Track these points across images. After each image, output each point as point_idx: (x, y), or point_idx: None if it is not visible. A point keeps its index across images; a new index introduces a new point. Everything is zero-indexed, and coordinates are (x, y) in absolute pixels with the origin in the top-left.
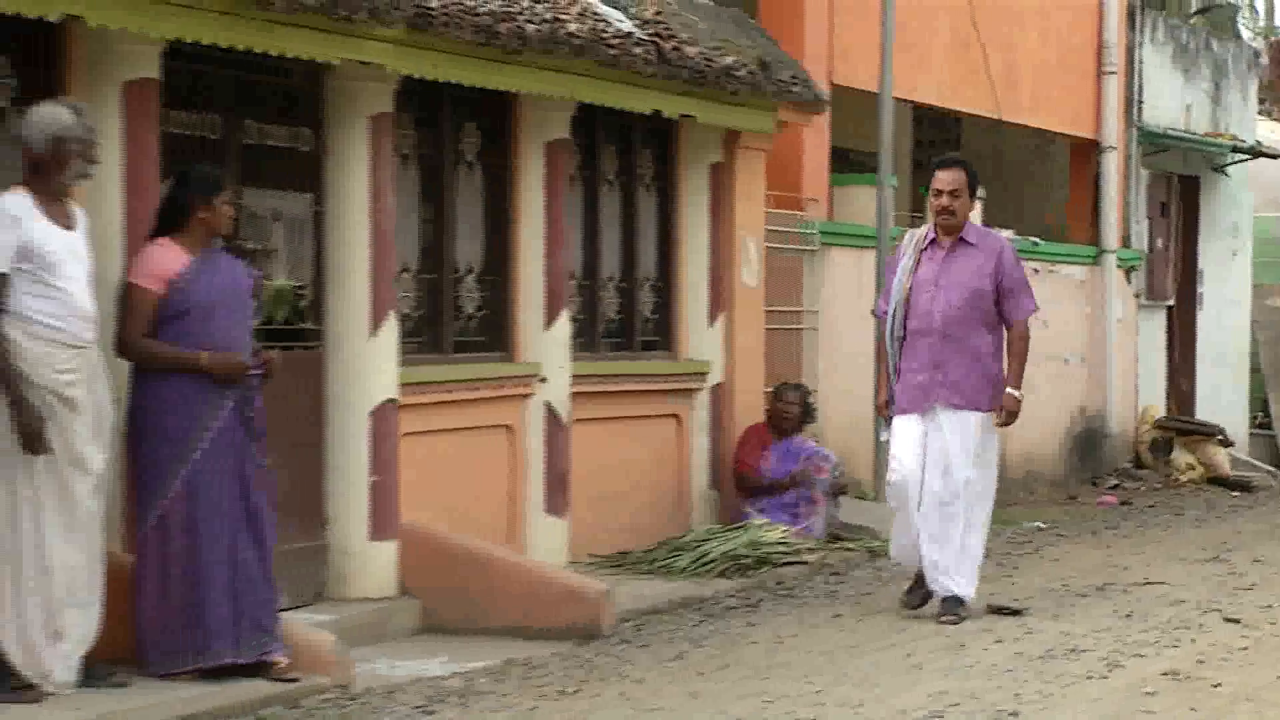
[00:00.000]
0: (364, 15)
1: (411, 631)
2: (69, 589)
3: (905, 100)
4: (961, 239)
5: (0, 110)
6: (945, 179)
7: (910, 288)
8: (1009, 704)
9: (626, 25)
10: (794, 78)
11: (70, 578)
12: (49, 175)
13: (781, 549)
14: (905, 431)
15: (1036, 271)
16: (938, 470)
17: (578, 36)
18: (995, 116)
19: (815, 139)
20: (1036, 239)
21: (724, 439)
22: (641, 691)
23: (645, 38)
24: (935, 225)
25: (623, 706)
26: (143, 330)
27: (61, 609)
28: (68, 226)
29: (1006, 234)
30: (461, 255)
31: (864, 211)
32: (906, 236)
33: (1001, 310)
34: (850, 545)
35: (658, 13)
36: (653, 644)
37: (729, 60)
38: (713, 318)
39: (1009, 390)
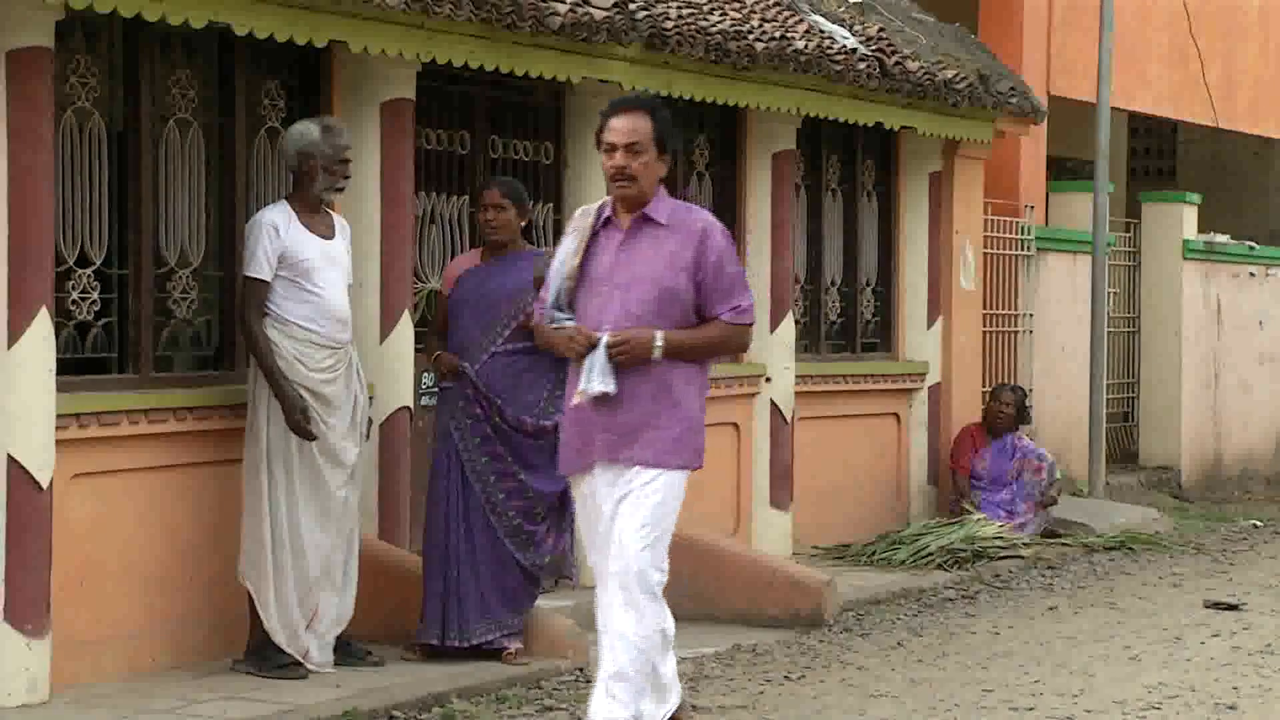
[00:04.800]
0: (603, 36)
1: None
2: (323, 571)
3: (1122, 109)
4: (647, 216)
5: (273, 130)
6: (620, 128)
7: (574, 285)
8: (1228, 697)
9: (851, 42)
10: (1012, 89)
11: (324, 562)
12: (304, 187)
13: (998, 543)
14: (582, 500)
15: (1252, 275)
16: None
17: (804, 53)
18: (1213, 124)
19: (1032, 148)
20: (1252, 243)
21: (941, 437)
22: (864, 678)
23: (869, 54)
24: (611, 196)
25: (846, 692)
26: (439, 328)
27: (316, 591)
28: (326, 235)
29: (1223, 239)
30: None
31: (1079, 218)
32: (578, 212)
33: (704, 317)
34: (1066, 540)
35: (881, 30)
36: (873, 633)
37: (949, 74)
38: (931, 320)
39: (652, 333)
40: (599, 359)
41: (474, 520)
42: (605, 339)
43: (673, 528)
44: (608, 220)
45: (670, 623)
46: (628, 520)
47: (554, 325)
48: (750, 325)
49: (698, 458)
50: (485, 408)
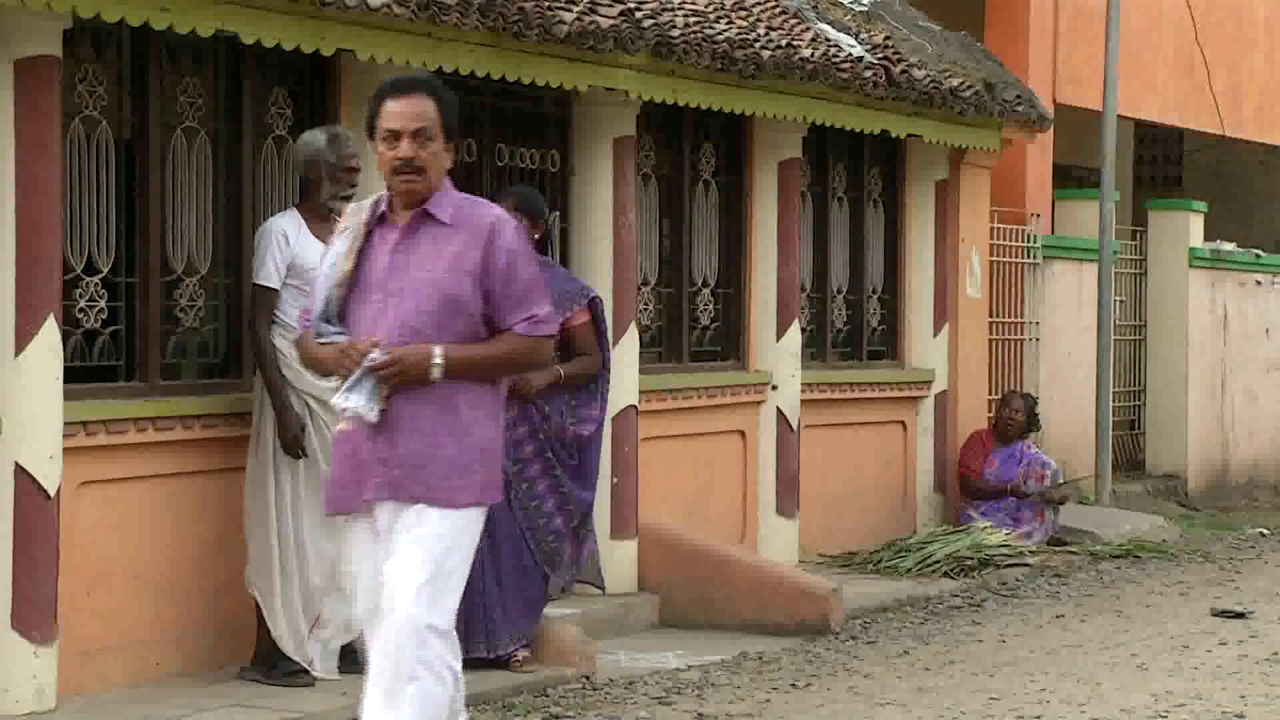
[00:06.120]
0: (610, 45)
1: (649, 625)
2: (328, 579)
3: (1128, 118)
4: (427, 213)
5: (280, 138)
6: (404, 112)
7: (346, 293)
8: (1235, 705)
9: (857, 50)
10: (1018, 98)
11: (328, 570)
12: (312, 195)
13: (1004, 551)
14: (354, 545)
15: (1259, 283)
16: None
17: (811, 61)
18: (1219, 133)
19: (1038, 156)
20: (1259, 251)
21: (948, 445)
22: (870, 686)
23: (875, 61)
24: (391, 190)
25: (853, 700)
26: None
27: (319, 598)
28: None
29: (1229, 247)
30: (698, 269)
31: (1085, 226)
32: (349, 209)
33: (496, 330)
34: (1072, 549)
35: (887, 38)
36: (880, 641)
37: (955, 82)
38: (937, 328)
39: (429, 350)
40: (365, 378)
41: (498, 531)
42: (371, 358)
43: (464, 577)
44: (382, 217)
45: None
46: (404, 568)
47: (321, 340)
48: (549, 338)
49: (491, 492)
50: (538, 419)
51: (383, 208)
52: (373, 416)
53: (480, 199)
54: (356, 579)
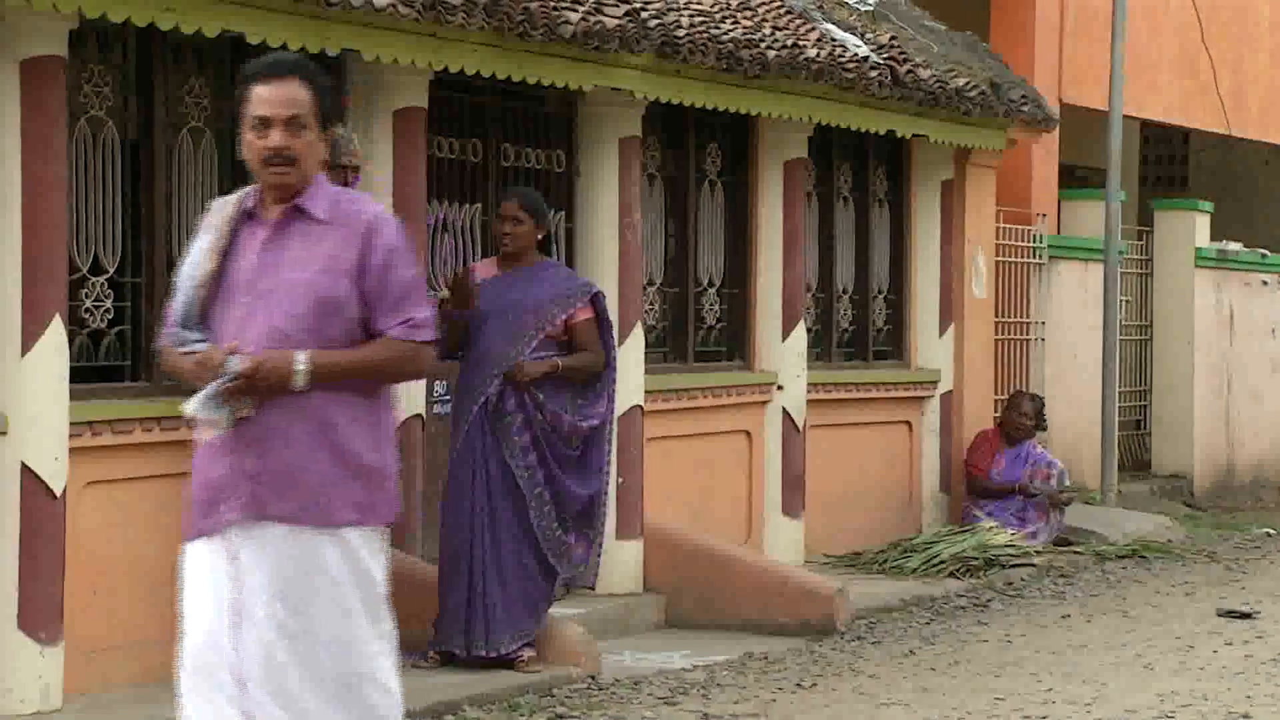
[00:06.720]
0: (615, 45)
1: (654, 625)
2: None
3: (1133, 118)
4: (299, 208)
5: None
6: (275, 98)
7: (210, 295)
8: (1240, 705)
9: (863, 50)
10: (1024, 97)
11: None
12: None
13: (1009, 552)
14: (198, 571)
15: (1265, 283)
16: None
17: (816, 61)
18: (1224, 132)
19: (1044, 156)
20: (1264, 250)
21: (953, 445)
22: (875, 686)
23: (880, 62)
24: (259, 183)
25: (858, 700)
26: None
27: None
28: None
29: (1235, 247)
30: (703, 269)
31: (1091, 226)
32: (214, 204)
33: (373, 334)
34: (1078, 549)
35: (892, 38)
36: (885, 641)
37: (961, 82)
38: (943, 328)
39: (291, 356)
40: (223, 385)
41: (501, 529)
42: (230, 364)
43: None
44: (250, 213)
45: None
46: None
47: (183, 350)
48: (428, 343)
49: (378, 513)
50: (530, 408)
51: (250, 203)
52: (226, 425)
53: (359, 194)
54: (199, 612)
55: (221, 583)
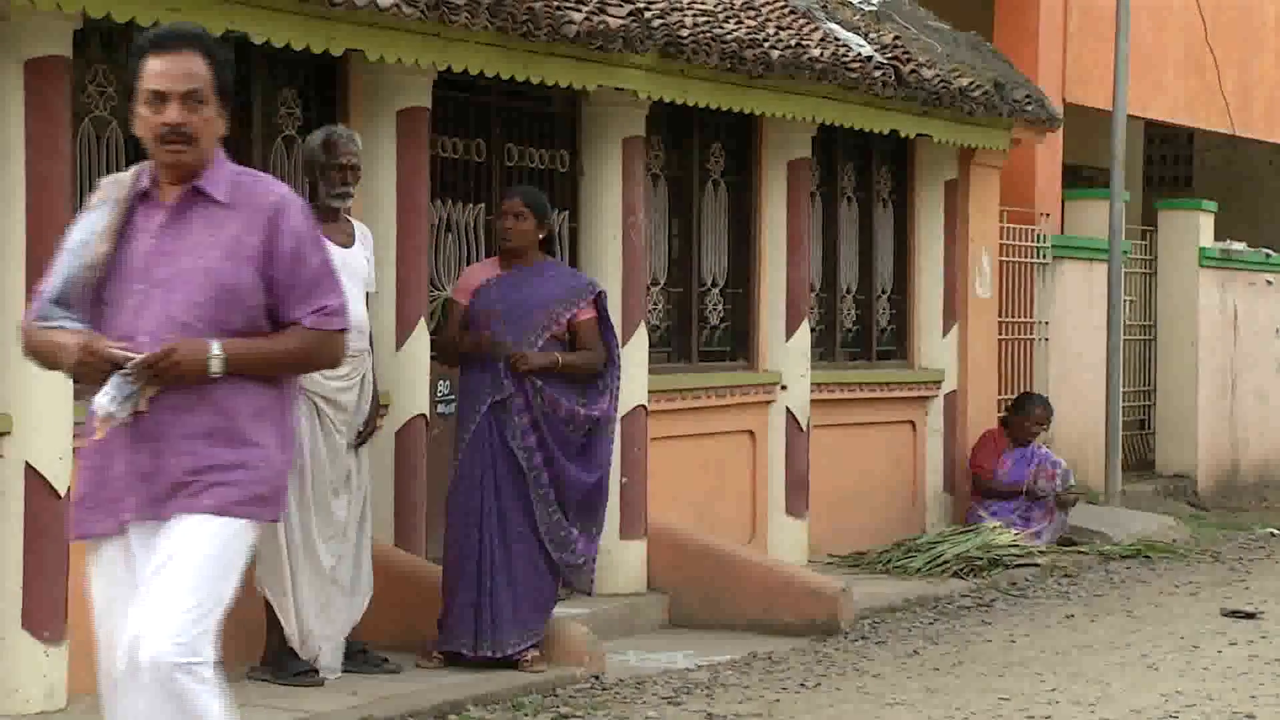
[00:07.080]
0: (619, 45)
1: (658, 625)
2: (333, 580)
3: (1138, 117)
4: (199, 190)
5: (289, 138)
6: (171, 72)
7: (99, 277)
8: (1245, 705)
9: (867, 50)
10: (1028, 97)
11: (334, 571)
12: (312, 196)
13: (1013, 551)
14: (103, 578)
15: (1269, 283)
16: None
17: (820, 61)
18: (1229, 132)
19: (1048, 155)
20: (1269, 250)
21: (956, 445)
22: (880, 686)
23: (884, 61)
24: (154, 162)
25: (862, 700)
26: (451, 335)
27: (329, 601)
28: (344, 243)
29: (1239, 246)
30: (707, 269)
31: (1095, 226)
32: (107, 181)
33: (280, 322)
34: (1082, 549)
35: (896, 38)
36: (889, 641)
37: (964, 82)
38: (947, 328)
39: (206, 345)
40: (126, 377)
41: (510, 529)
42: (137, 358)
43: (227, 600)
44: (145, 194)
45: None
46: (165, 584)
47: (47, 325)
48: (341, 331)
49: (273, 507)
50: (530, 392)
51: (145, 183)
52: (124, 419)
53: (262, 174)
54: (105, 619)
55: (124, 581)
